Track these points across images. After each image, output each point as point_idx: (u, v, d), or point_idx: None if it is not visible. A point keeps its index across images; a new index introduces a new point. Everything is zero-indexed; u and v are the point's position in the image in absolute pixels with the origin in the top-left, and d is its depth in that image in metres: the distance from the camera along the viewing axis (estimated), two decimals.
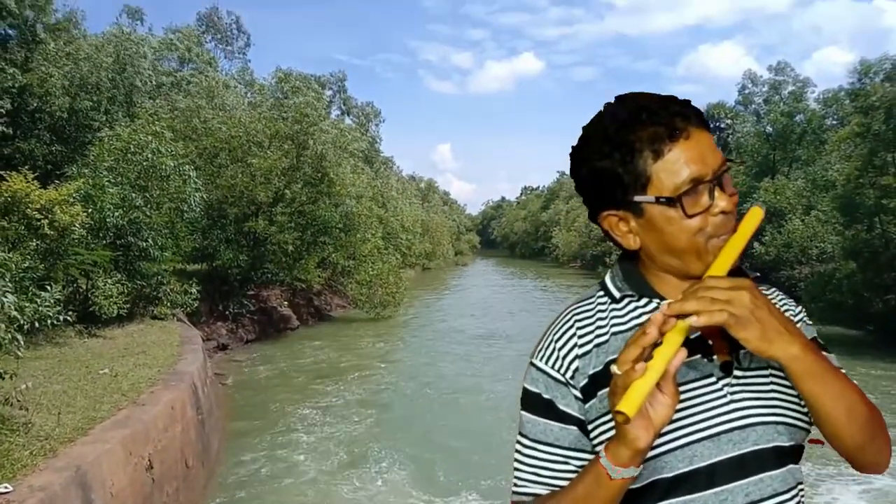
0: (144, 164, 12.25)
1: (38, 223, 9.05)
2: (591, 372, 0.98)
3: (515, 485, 1.02)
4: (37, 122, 16.18)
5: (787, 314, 1.03)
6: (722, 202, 0.93)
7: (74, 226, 9.43)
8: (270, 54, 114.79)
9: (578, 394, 0.99)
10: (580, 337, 1.01)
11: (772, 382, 0.97)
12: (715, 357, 0.98)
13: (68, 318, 7.95)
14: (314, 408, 11.67)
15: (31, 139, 15.88)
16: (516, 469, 1.02)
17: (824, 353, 0.98)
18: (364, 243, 22.56)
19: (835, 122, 30.64)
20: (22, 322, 6.00)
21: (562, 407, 0.99)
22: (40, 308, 7.02)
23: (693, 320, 0.84)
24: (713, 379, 0.97)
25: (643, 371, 0.83)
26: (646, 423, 0.84)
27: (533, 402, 1.02)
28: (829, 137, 27.29)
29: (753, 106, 34.82)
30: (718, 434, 0.94)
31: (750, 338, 0.84)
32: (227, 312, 17.41)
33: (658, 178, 0.93)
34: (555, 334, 1.03)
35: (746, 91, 35.00)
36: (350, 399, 12.40)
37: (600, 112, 0.99)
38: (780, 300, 1.08)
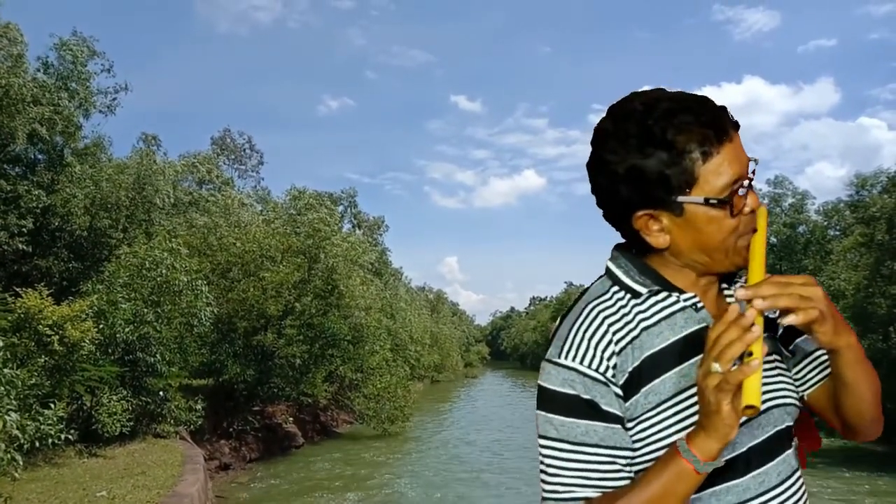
0: (158, 279, 12.44)
1: (49, 339, 9.10)
2: (629, 369, 0.97)
3: (556, 492, 0.97)
4: (56, 241, 16.58)
5: None
6: (752, 200, 0.97)
7: (84, 341, 9.46)
8: (283, 173, 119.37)
9: (619, 391, 0.97)
10: (614, 333, 0.98)
11: (776, 367, 1.04)
12: None
13: (69, 436, 7.80)
14: None
15: (50, 257, 16.22)
16: (555, 475, 0.97)
17: None
18: (372, 355, 22.31)
19: (837, 233, 31.03)
20: (23, 441, 5.89)
21: (604, 406, 0.96)
22: (42, 426, 6.90)
23: (791, 319, 0.88)
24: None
25: (759, 366, 0.85)
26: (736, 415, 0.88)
27: (569, 404, 0.97)
28: (834, 247, 27.55)
29: None
30: (750, 419, 0.96)
31: (826, 331, 0.90)
32: (230, 430, 16.97)
33: (705, 180, 0.94)
34: (586, 332, 0.99)
35: None
36: None
37: (630, 109, 0.96)
38: None
